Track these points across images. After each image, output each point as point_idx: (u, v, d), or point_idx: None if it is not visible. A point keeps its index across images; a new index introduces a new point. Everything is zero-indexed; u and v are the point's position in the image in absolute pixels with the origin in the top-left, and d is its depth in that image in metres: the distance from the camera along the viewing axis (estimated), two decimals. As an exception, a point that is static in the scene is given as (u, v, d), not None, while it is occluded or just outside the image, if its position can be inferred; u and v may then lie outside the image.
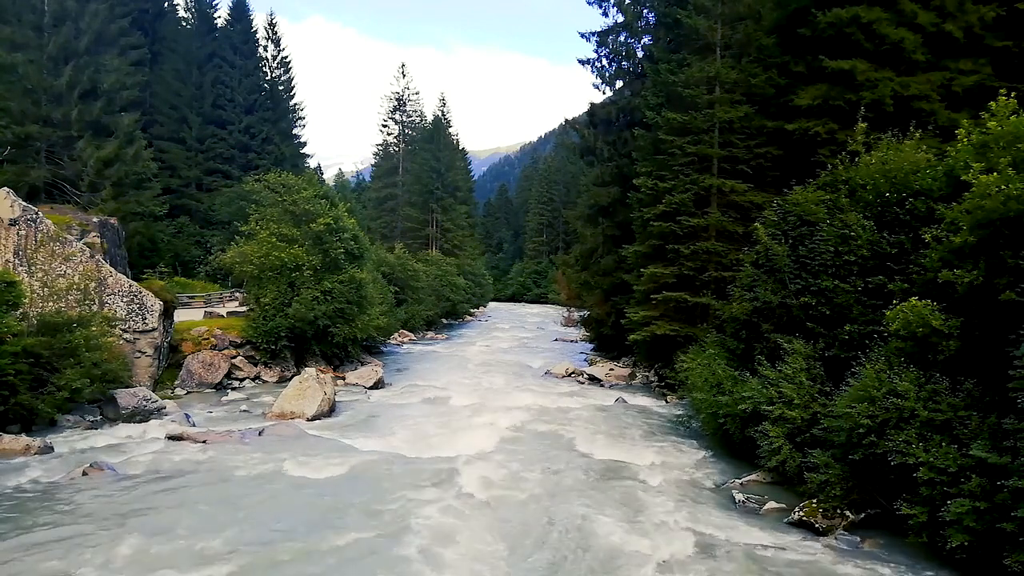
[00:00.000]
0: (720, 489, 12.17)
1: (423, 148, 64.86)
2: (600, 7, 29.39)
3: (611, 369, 26.36)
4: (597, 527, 9.98)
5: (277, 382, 22.07)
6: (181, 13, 48.08)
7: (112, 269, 19.35)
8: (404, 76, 68.39)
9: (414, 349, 35.96)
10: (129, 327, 18.77)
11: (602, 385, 24.38)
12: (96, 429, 15.09)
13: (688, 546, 9.36)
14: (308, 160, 53.94)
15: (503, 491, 11.61)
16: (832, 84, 17.30)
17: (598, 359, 29.59)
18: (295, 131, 51.56)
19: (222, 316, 26.07)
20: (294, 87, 51.58)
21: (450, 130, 70.81)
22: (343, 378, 22.94)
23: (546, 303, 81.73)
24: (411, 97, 68.85)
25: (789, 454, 11.34)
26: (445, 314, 52.19)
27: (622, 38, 29.69)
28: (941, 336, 9.50)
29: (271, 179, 26.11)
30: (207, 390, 20.42)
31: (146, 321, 19.02)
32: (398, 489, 11.40)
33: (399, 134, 68.99)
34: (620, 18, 29.43)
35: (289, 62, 50.73)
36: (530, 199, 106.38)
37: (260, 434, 14.97)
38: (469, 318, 61.52)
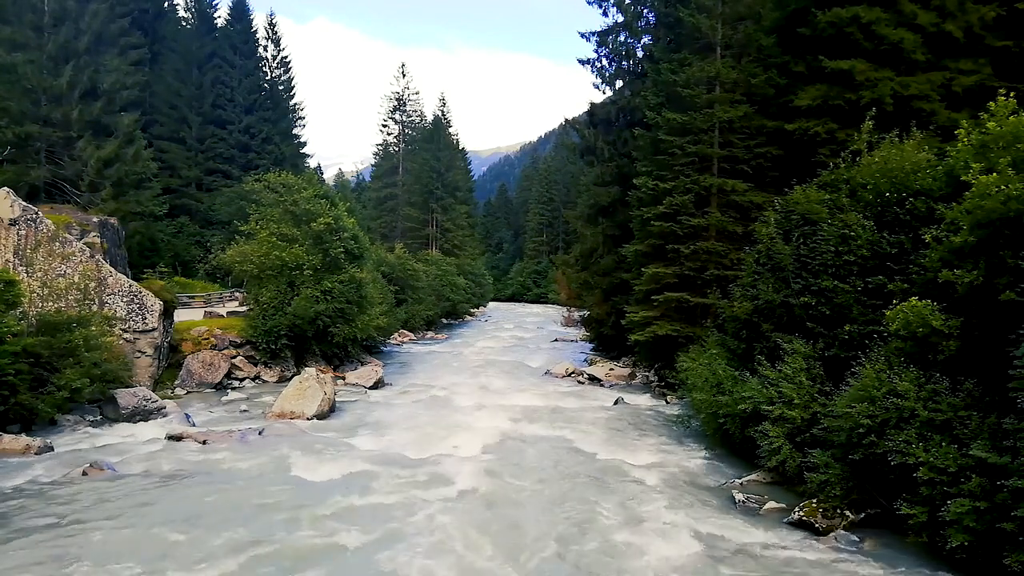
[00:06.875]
0: (720, 489, 12.17)
1: (423, 148, 64.92)
2: (600, 7, 29.41)
3: (611, 369, 26.35)
4: (597, 527, 9.99)
5: (277, 382, 22.06)
6: (181, 13, 48.18)
7: (112, 269, 19.35)
8: (404, 76, 68.54)
9: (414, 349, 35.97)
10: (129, 327, 18.77)
11: (602, 385, 24.37)
12: (96, 429, 15.10)
13: (688, 546, 9.37)
14: (308, 160, 54.03)
15: (503, 491, 11.61)
16: (832, 84, 17.30)
17: (598, 359, 29.57)
18: (295, 131, 51.67)
19: (222, 316, 26.08)
20: (294, 87, 51.77)
21: (450, 130, 70.98)
22: (343, 378, 22.94)
23: (546, 303, 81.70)
24: (411, 97, 68.99)
25: (789, 454, 11.34)
26: (445, 314, 52.21)
27: (622, 38, 29.71)
28: (941, 336, 9.49)
29: (271, 179, 26.12)
30: (207, 390, 20.42)
31: (146, 321, 19.03)
32: (398, 489, 11.42)
33: (399, 134, 69.03)
34: (620, 18, 29.46)
35: (289, 62, 50.87)
36: (530, 199, 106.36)
37: (260, 434, 14.99)
38: (469, 318, 61.51)
